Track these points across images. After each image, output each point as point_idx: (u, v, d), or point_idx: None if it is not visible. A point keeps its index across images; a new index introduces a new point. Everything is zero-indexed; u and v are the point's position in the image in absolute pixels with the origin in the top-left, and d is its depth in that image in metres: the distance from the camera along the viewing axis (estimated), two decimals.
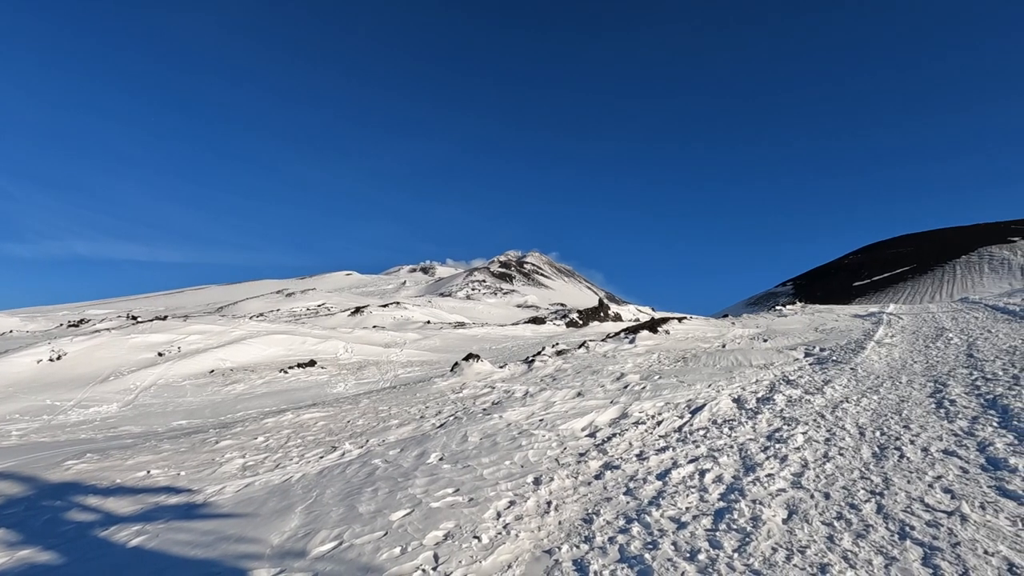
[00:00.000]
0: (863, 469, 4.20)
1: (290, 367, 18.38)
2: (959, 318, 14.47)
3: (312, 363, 19.10)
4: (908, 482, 3.85)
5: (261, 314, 52.55)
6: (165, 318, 29.38)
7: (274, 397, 14.02)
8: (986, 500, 3.44)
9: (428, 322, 40.04)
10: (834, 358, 9.95)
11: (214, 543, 3.68)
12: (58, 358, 18.60)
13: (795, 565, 2.87)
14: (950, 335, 11.30)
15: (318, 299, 63.68)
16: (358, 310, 44.03)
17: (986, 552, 2.82)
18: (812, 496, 3.77)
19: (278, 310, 56.75)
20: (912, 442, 4.72)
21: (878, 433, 5.09)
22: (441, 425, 7.01)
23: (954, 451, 4.40)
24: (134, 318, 33.81)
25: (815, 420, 5.76)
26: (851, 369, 8.58)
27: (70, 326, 33.08)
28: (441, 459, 5.36)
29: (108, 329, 24.70)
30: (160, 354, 19.98)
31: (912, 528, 3.15)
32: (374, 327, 34.18)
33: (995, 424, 4.96)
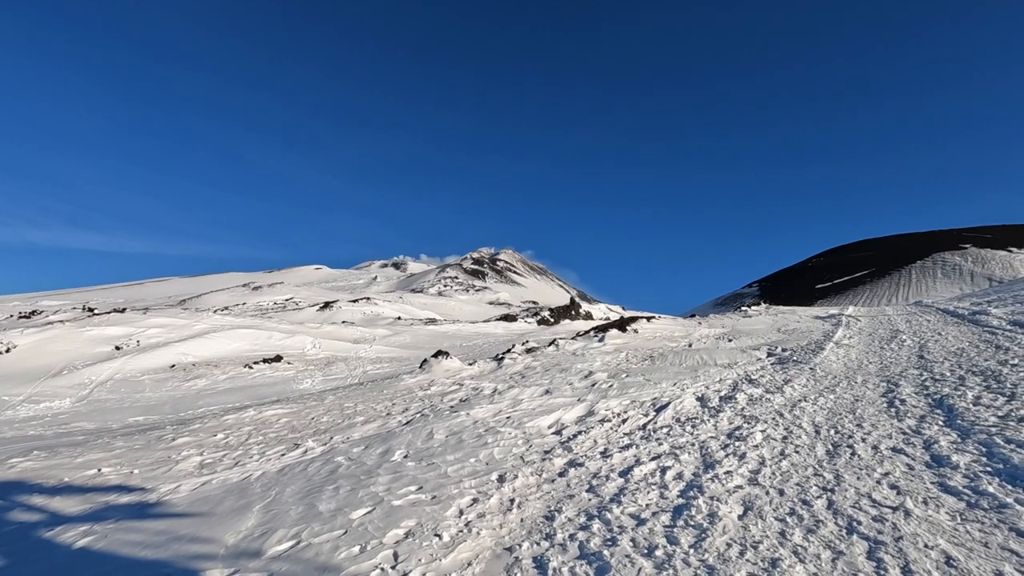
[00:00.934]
0: (816, 466, 4.33)
1: (255, 362, 17.97)
2: (913, 321, 15.06)
3: (278, 358, 18.72)
4: (858, 479, 3.99)
5: (226, 308, 51.19)
6: (124, 310, 28.33)
7: (237, 393, 13.69)
8: (929, 496, 3.59)
9: (399, 318, 39.68)
10: (795, 358, 10.24)
11: (166, 543, 3.57)
12: (7, 351, 17.77)
13: (748, 560, 2.95)
14: (904, 337, 11.75)
15: (286, 293, 62.36)
16: (327, 305, 43.32)
17: (926, 545, 2.95)
18: (767, 493, 3.87)
19: (244, 304, 55.39)
20: (864, 440, 4.89)
21: (832, 431, 5.26)
22: (408, 422, 6.95)
23: (902, 449, 4.58)
24: (90, 310, 32.51)
25: (774, 418, 5.91)
26: (810, 369, 8.84)
27: (21, 317, 31.61)
28: (406, 457, 5.32)
29: (62, 321, 23.71)
30: (117, 348, 19.29)
31: (859, 523, 3.26)
32: (343, 323, 33.70)
33: (941, 423, 5.18)
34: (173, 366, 17.49)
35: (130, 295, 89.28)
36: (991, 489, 3.57)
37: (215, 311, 41.38)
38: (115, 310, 28.78)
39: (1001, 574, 2.65)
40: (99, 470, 5.47)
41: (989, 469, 3.92)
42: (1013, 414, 5.08)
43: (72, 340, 19.47)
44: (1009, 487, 3.59)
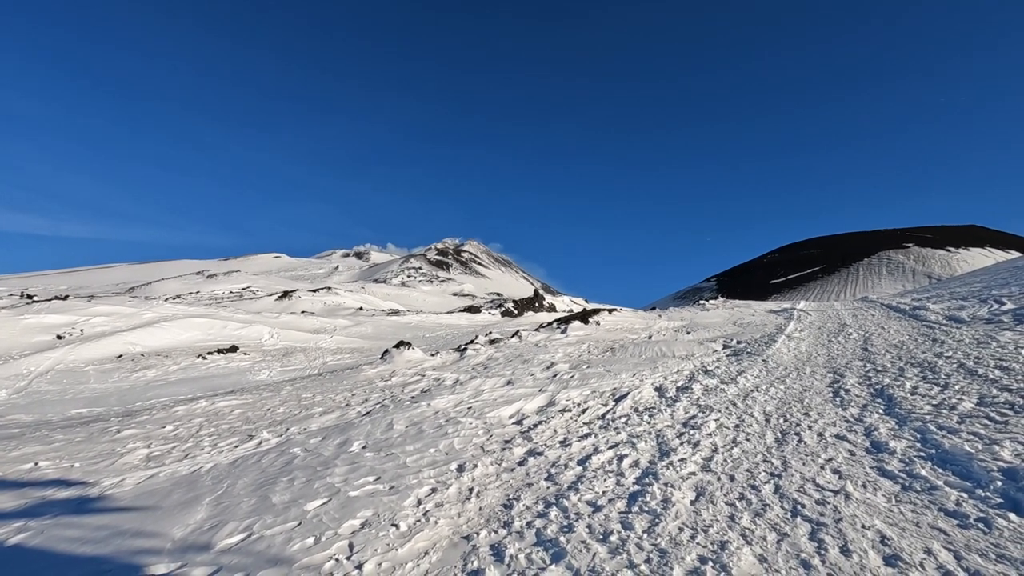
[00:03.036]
0: (766, 453, 4.50)
1: (209, 353, 17.36)
2: (859, 315, 15.78)
3: (234, 349, 18.14)
4: (803, 464, 4.16)
5: (178, 296, 49.25)
6: (66, 298, 26.87)
7: (190, 384, 13.20)
8: (867, 480, 3.78)
9: (360, 308, 39.04)
10: (749, 350, 10.58)
11: (107, 539, 3.42)
12: None
13: (698, 543, 3.04)
14: (850, 331, 12.30)
15: (243, 282, 60.44)
16: (286, 294, 42.22)
17: (863, 526, 3.10)
18: (719, 479, 4.00)
19: (198, 292, 53.42)
20: (810, 428, 5.10)
21: (781, 420, 5.47)
22: (367, 413, 6.86)
23: (845, 436, 4.80)
24: (29, 297, 30.72)
25: (727, 408, 6.10)
26: (763, 360, 9.15)
27: None
28: (364, 447, 5.25)
29: None
30: (59, 337, 18.30)
31: (803, 506, 3.41)
32: (303, 312, 32.91)
33: (881, 411, 5.45)
34: (120, 356, 16.72)
35: (73, 282, 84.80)
36: (924, 473, 3.79)
37: (166, 299, 39.76)
38: (57, 297, 27.29)
39: (929, 551, 2.82)
40: (36, 464, 5.19)
41: (923, 454, 4.15)
42: (946, 403, 5.39)
43: (8, 328, 18.37)
44: (940, 471, 3.82)
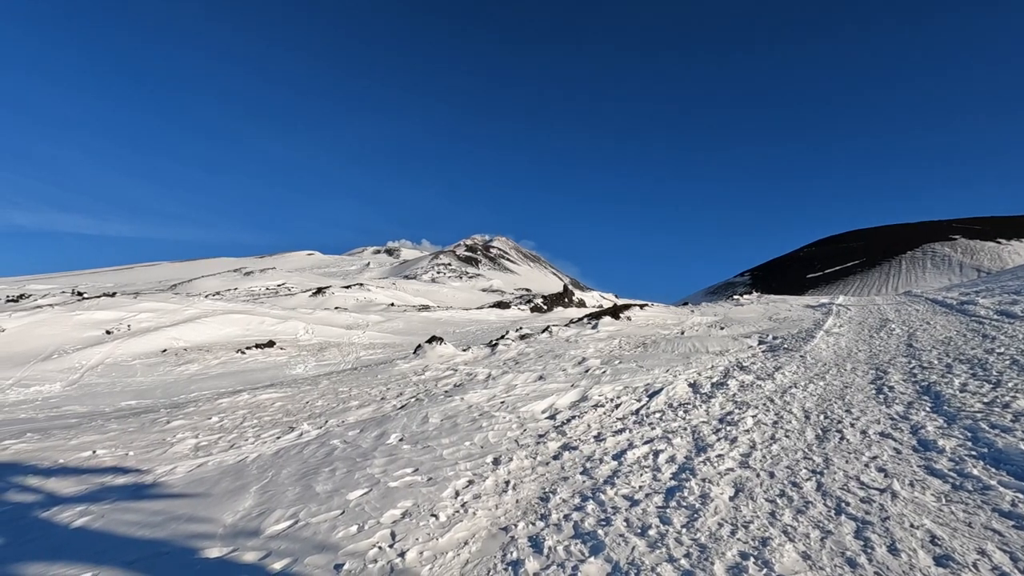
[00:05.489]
0: (806, 450, 4.41)
1: (248, 347, 17.91)
2: (902, 310, 15.23)
3: (271, 344, 18.66)
4: (846, 462, 4.07)
5: (217, 293, 50.91)
6: (114, 295, 28.09)
7: (230, 378, 13.66)
8: (915, 478, 3.67)
9: (392, 304, 39.62)
10: (785, 346, 10.35)
11: (163, 523, 3.60)
12: None
13: (739, 539, 3.01)
14: (893, 326, 11.90)
15: (278, 279, 62.05)
16: (320, 291, 43.17)
17: (912, 526, 3.02)
18: (758, 475, 3.94)
19: (235, 289, 55.07)
20: (852, 425, 4.98)
21: (822, 417, 5.35)
22: (402, 407, 6.99)
23: (890, 433, 4.66)
24: (80, 294, 32.22)
25: (765, 404, 6.00)
26: (800, 356, 8.94)
27: (8, 301, 31.22)
28: (401, 440, 5.36)
29: (51, 305, 23.47)
30: (108, 332, 19.14)
31: (847, 504, 3.34)
32: (336, 308, 33.62)
33: (928, 409, 5.27)
34: (164, 351, 17.40)
35: (120, 279, 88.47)
36: (976, 472, 3.66)
37: (206, 296, 41.13)
38: (105, 294, 28.54)
39: (984, 552, 2.73)
40: (94, 452, 5.47)
41: (974, 453, 4.01)
42: (998, 400, 5.19)
43: (61, 324, 19.30)
44: (993, 470, 3.68)
